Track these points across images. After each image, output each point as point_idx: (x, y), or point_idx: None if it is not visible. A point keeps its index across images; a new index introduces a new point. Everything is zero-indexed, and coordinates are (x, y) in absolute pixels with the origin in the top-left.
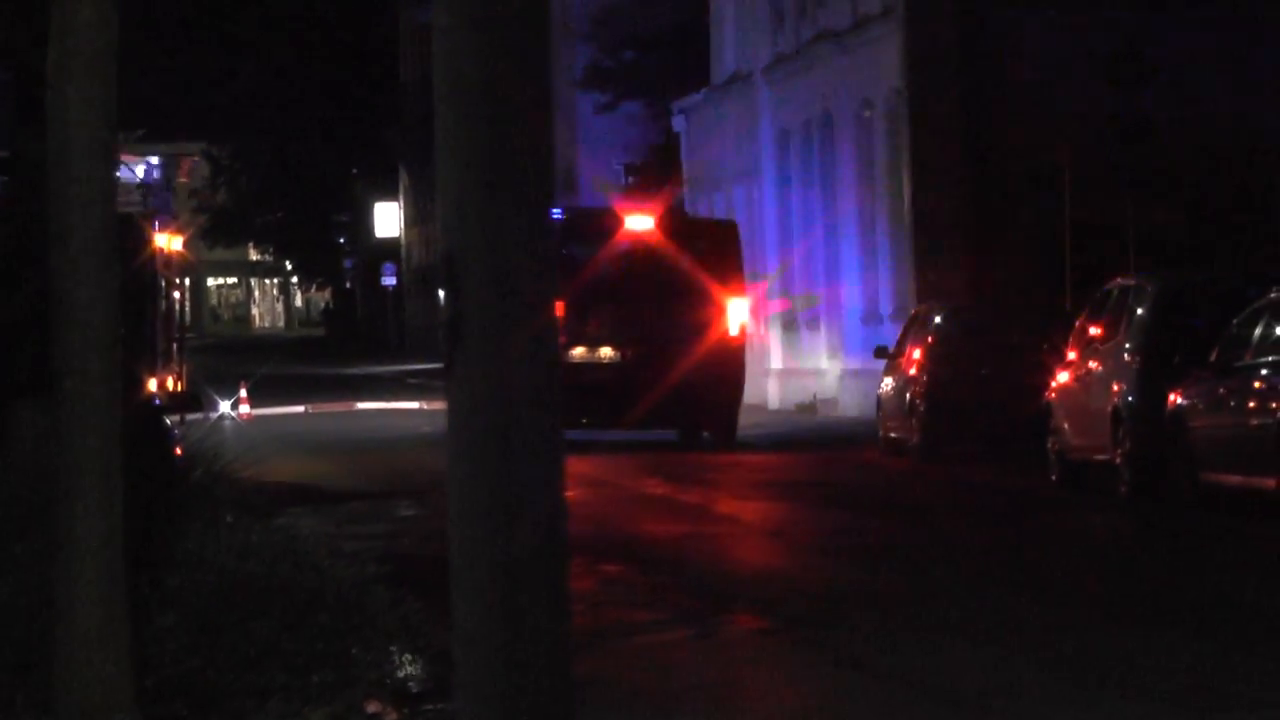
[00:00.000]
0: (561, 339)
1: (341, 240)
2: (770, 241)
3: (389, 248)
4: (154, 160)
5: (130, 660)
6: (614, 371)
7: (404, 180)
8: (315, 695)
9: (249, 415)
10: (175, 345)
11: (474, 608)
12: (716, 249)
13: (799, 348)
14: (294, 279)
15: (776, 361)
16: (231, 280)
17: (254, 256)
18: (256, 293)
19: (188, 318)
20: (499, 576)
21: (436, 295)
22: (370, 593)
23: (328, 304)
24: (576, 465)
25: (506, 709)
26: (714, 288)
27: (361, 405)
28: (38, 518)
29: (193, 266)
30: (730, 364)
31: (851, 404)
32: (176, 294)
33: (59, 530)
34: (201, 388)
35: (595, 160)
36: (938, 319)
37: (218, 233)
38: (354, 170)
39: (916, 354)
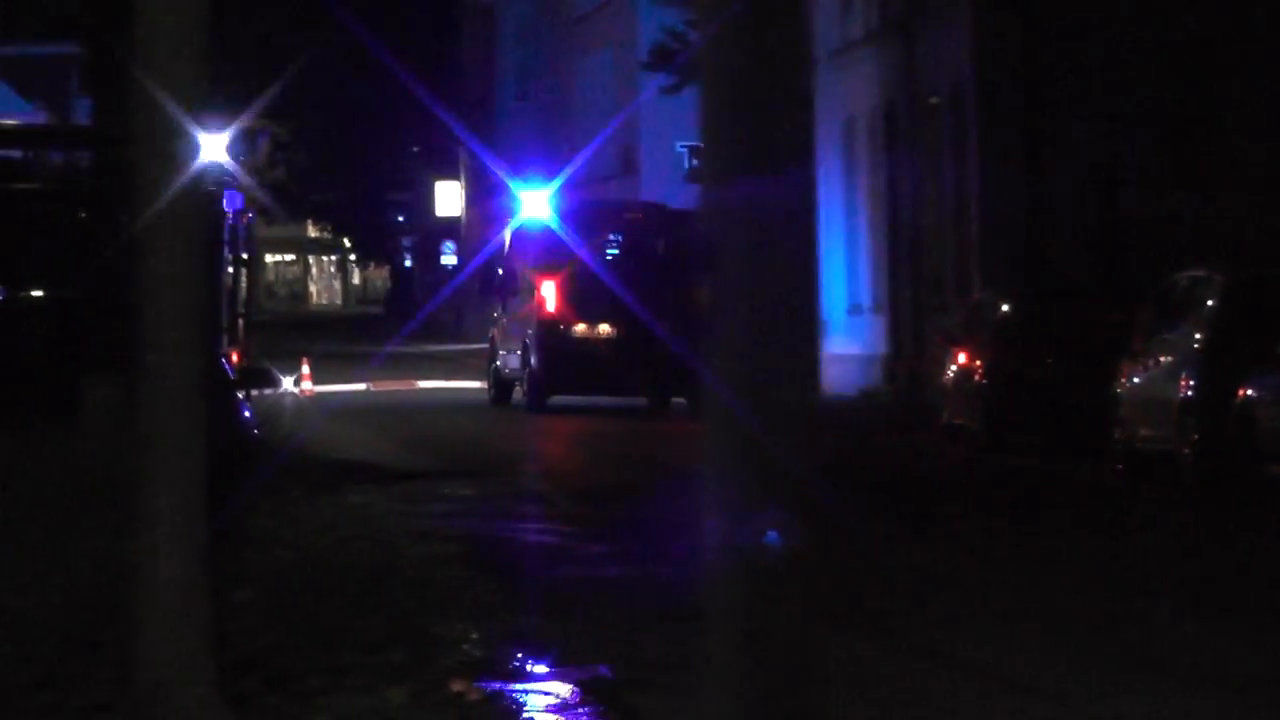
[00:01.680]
0: (563, 314)
1: (400, 219)
2: (833, 227)
3: (448, 226)
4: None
5: (210, 635)
6: (607, 344)
7: (464, 159)
8: (393, 674)
9: (311, 392)
10: (241, 321)
11: (722, 607)
12: (687, 237)
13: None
14: (352, 257)
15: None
16: (289, 257)
17: (312, 233)
18: (314, 270)
19: (255, 295)
20: (750, 576)
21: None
22: (444, 571)
23: (387, 283)
24: (579, 430)
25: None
26: (700, 272)
27: (422, 384)
28: (109, 492)
29: (257, 243)
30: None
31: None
32: (243, 270)
33: (139, 503)
34: (267, 363)
35: (658, 142)
36: (1002, 307)
37: (276, 209)
38: (413, 148)
39: (979, 342)
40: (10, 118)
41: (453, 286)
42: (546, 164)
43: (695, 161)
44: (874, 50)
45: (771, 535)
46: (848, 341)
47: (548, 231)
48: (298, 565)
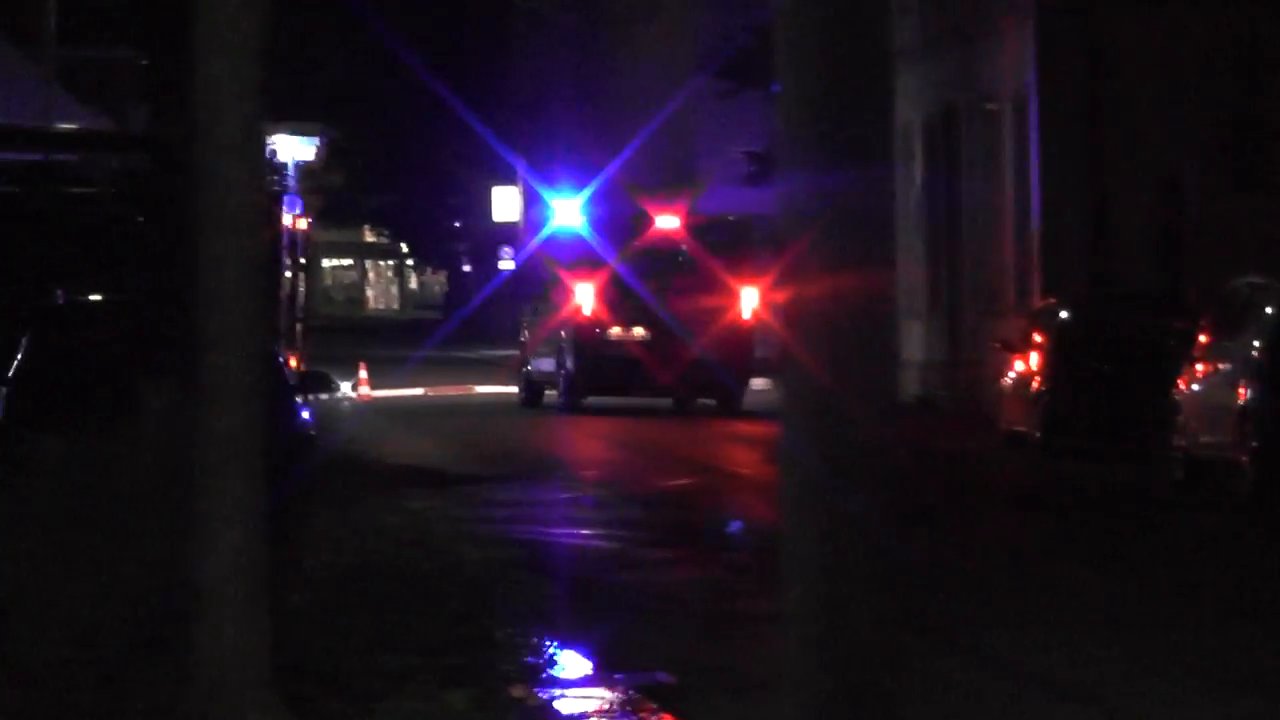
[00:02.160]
0: (600, 320)
1: (457, 224)
2: (908, 217)
3: (506, 231)
4: (280, 138)
5: (268, 637)
6: (643, 347)
7: (522, 162)
8: (453, 678)
9: (368, 397)
10: (299, 325)
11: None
12: (733, 243)
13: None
14: (409, 261)
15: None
16: (346, 261)
17: (369, 238)
18: (370, 274)
19: (313, 299)
20: (829, 574)
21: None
22: (503, 575)
23: (444, 287)
24: (621, 432)
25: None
26: (726, 275)
27: (480, 389)
28: (169, 495)
29: (315, 247)
30: (741, 343)
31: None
32: (301, 274)
33: (200, 505)
34: (325, 368)
35: (715, 148)
36: (1062, 314)
37: (333, 214)
38: (469, 154)
39: (1039, 349)
40: (67, 122)
41: (490, 290)
42: (597, 171)
43: (754, 166)
44: (932, 55)
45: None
46: (905, 346)
47: (580, 237)
48: (355, 568)
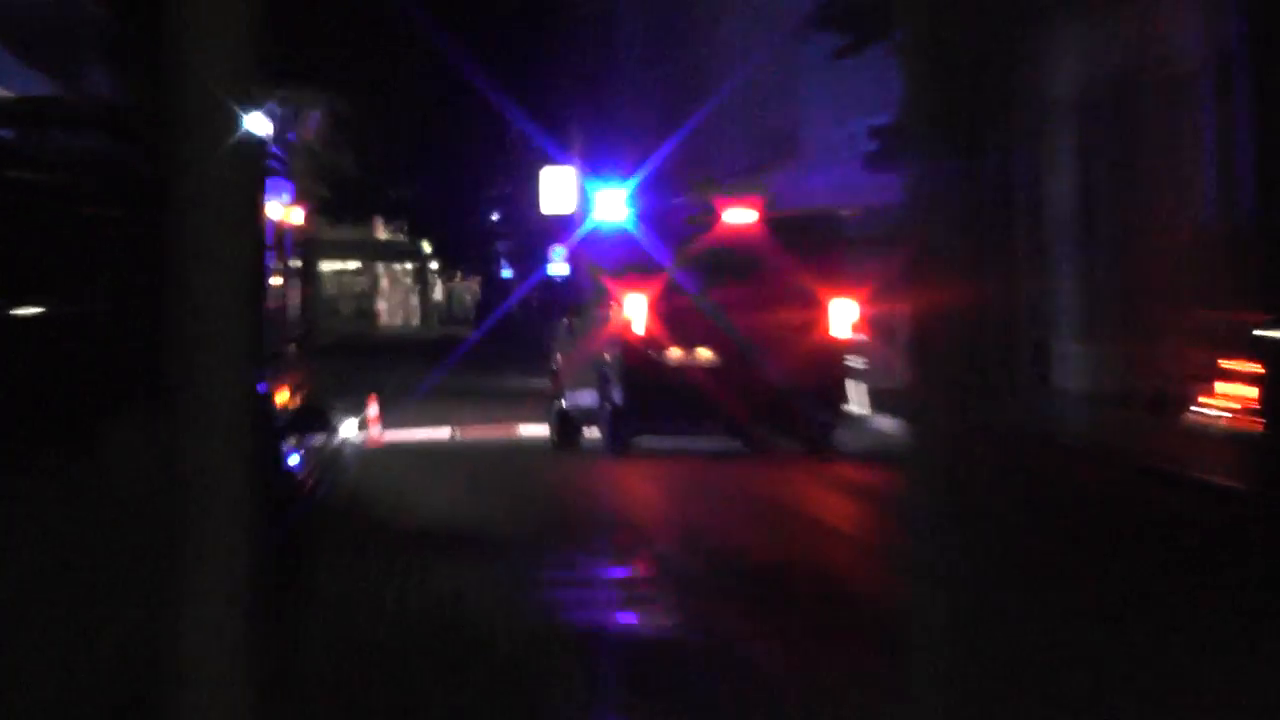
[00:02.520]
0: (656, 340)
1: (495, 217)
2: (1063, 218)
3: (557, 227)
4: (270, 110)
5: (254, 710)
6: (709, 374)
7: (579, 140)
8: None
9: (379, 439)
10: (292, 347)
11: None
12: (820, 244)
13: None
14: (433, 265)
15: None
16: (353, 265)
17: (382, 236)
18: (385, 282)
19: (310, 313)
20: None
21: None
22: (557, 686)
23: (477, 297)
24: (687, 481)
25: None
26: (815, 285)
27: (525, 430)
28: (136, 552)
29: (314, 247)
30: (832, 369)
31: None
32: (294, 280)
33: (177, 562)
34: (326, 402)
35: (825, 119)
36: (1275, 331)
37: (339, 206)
38: (512, 127)
39: (1259, 379)
40: (5, 88)
41: (533, 297)
42: (661, 154)
43: (876, 143)
44: (1092, 10)
45: None
46: (1059, 373)
47: (630, 236)
48: (365, 641)
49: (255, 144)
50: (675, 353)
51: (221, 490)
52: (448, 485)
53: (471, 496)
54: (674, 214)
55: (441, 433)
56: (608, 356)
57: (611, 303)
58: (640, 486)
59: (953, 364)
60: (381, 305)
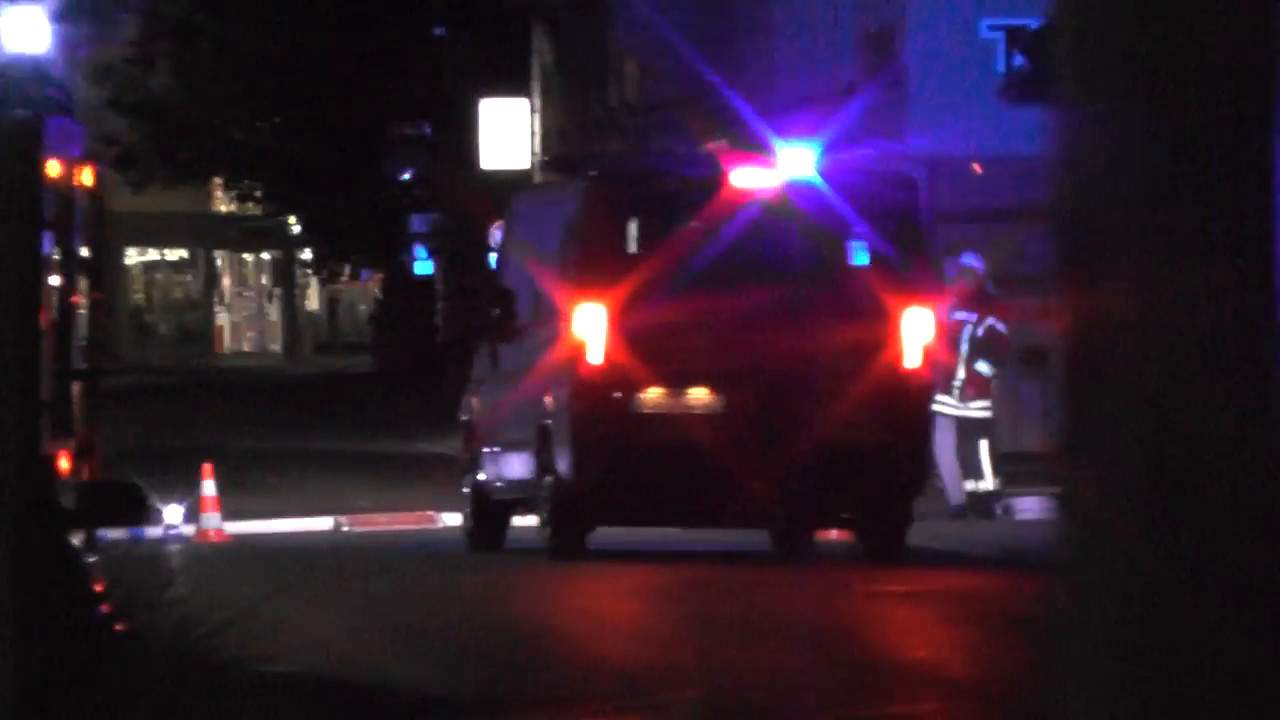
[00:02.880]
0: (622, 374)
1: (407, 175)
2: None
3: (504, 190)
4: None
5: None
6: (712, 428)
7: (540, 55)
8: None
9: (221, 534)
10: (79, 385)
11: None
12: (883, 221)
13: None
14: (305, 254)
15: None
16: (175, 255)
17: (222, 208)
18: (226, 282)
19: (107, 332)
20: None
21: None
22: None
23: (376, 305)
24: (697, 601)
25: None
26: (879, 286)
27: (447, 518)
28: None
29: (109, 226)
30: (908, 417)
31: None
32: (84, 280)
33: None
34: (133, 475)
35: (940, 19)
36: None
37: (153, 158)
38: (434, 30)
39: None
40: None
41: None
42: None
43: (1022, 59)
44: None
45: None
46: None
47: (612, 208)
48: None
49: (23, 65)
50: (654, 394)
51: None
52: (326, 610)
53: (360, 634)
54: (658, 173)
55: (320, 523)
56: (549, 402)
57: (555, 315)
58: (620, 610)
59: (1152, 405)
60: (222, 320)
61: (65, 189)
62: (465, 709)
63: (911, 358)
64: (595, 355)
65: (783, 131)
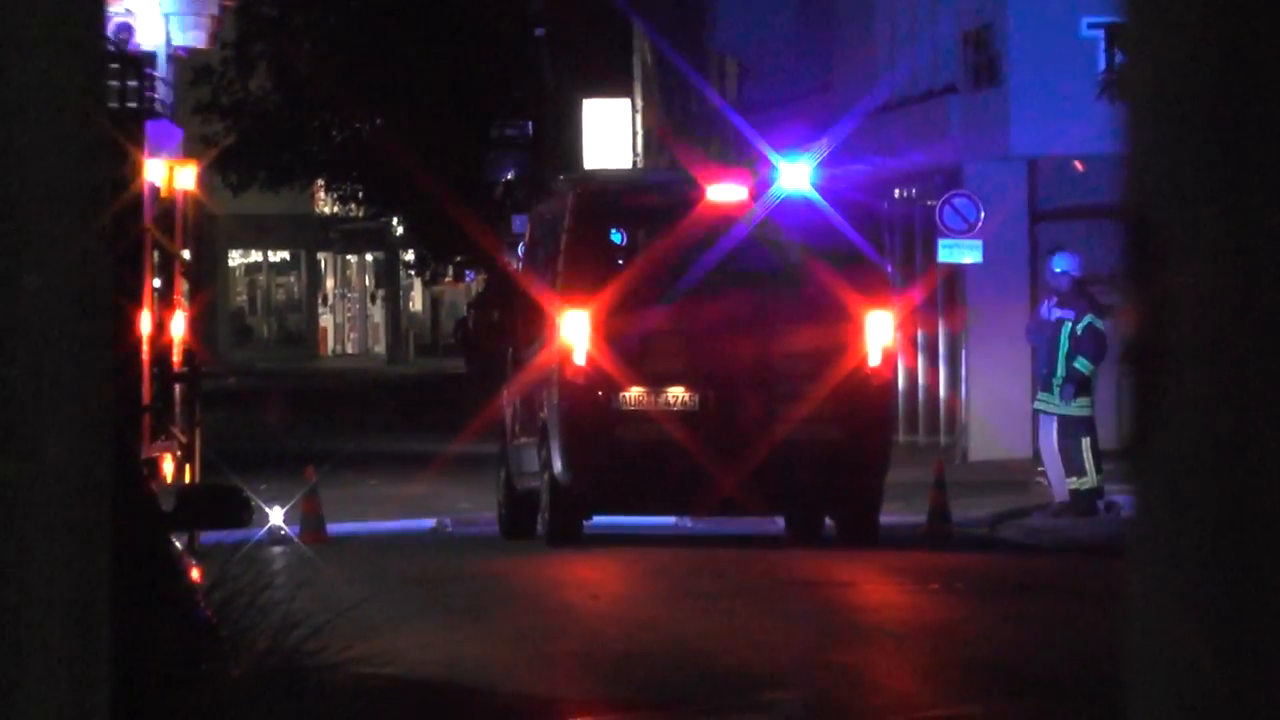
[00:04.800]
0: (603, 372)
1: (509, 176)
2: None
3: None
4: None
5: None
6: (689, 425)
7: (641, 57)
8: None
9: (322, 536)
10: (180, 388)
11: None
12: (845, 236)
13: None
14: (408, 256)
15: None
16: (278, 257)
17: (325, 209)
18: (330, 284)
19: (209, 335)
20: None
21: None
22: None
23: (470, 308)
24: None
25: None
26: (843, 294)
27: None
28: None
29: (209, 228)
30: (870, 412)
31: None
32: (184, 284)
33: None
34: (235, 481)
35: (1042, 18)
36: None
37: (253, 161)
38: (537, 32)
39: None
40: None
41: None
42: (796, 82)
43: (1122, 57)
44: None
45: None
46: None
47: (595, 218)
48: None
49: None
50: (635, 393)
51: (55, 631)
52: (426, 612)
53: (459, 636)
54: (640, 187)
55: (421, 524)
56: (544, 402)
57: (546, 321)
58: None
59: (1220, 401)
60: (325, 323)
61: (165, 191)
62: (565, 711)
63: (873, 358)
64: (580, 357)
65: (784, 148)
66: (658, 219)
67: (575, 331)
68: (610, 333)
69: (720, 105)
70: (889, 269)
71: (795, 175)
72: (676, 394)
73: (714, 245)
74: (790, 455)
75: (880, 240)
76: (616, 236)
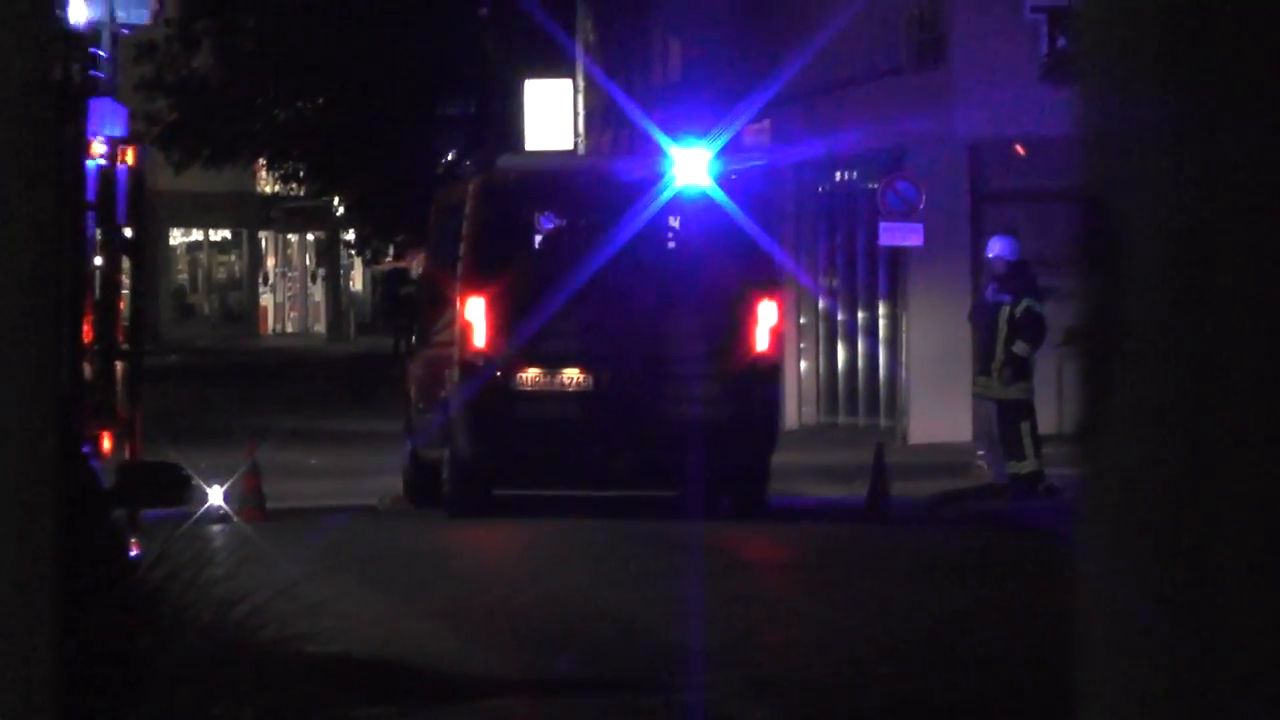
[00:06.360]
0: (501, 353)
1: (450, 156)
2: None
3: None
4: None
5: None
6: (584, 404)
7: (584, 37)
8: None
9: (262, 513)
10: (121, 365)
11: None
12: (738, 223)
13: None
14: (348, 235)
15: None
16: (219, 236)
17: (266, 188)
18: (270, 262)
19: (151, 313)
20: None
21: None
22: None
23: (414, 285)
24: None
25: None
26: (736, 279)
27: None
28: None
29: (152, 206)
30: (757, 392)
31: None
32: (124, 260)
33: None
34: (175, 459)
35: (986, 4)
36: None
37: (195, 137)
38: (481, 8)
39: None
40: None
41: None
42: (751, 63)
43: (1065, 41)
44: None
45: None
46: None
47: (495, 206)
48: None
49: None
50: (532, 374)
51: (20, 596)
52: (367, 590)
53: (401, 613)
54: (542, 173)
55: (362, 500)
56: (446, 380)
57: (449, 302)
58: (650, 589)
59: (1171, 387)
60: (265, 301)
61: (107, 169)
62: (506, 687)
63: (761, 341)
64: (480, 339)
65: (681, 133)
66: (560, 205)
67: (475, 314)
68: (508, 316)
69: (614, 92)
70: (778, 256)
71: (691, 162)
72: (571, 375)
73: (613, 231)
74: (680, 433)
75: (771, 226)
76: (518, 222)
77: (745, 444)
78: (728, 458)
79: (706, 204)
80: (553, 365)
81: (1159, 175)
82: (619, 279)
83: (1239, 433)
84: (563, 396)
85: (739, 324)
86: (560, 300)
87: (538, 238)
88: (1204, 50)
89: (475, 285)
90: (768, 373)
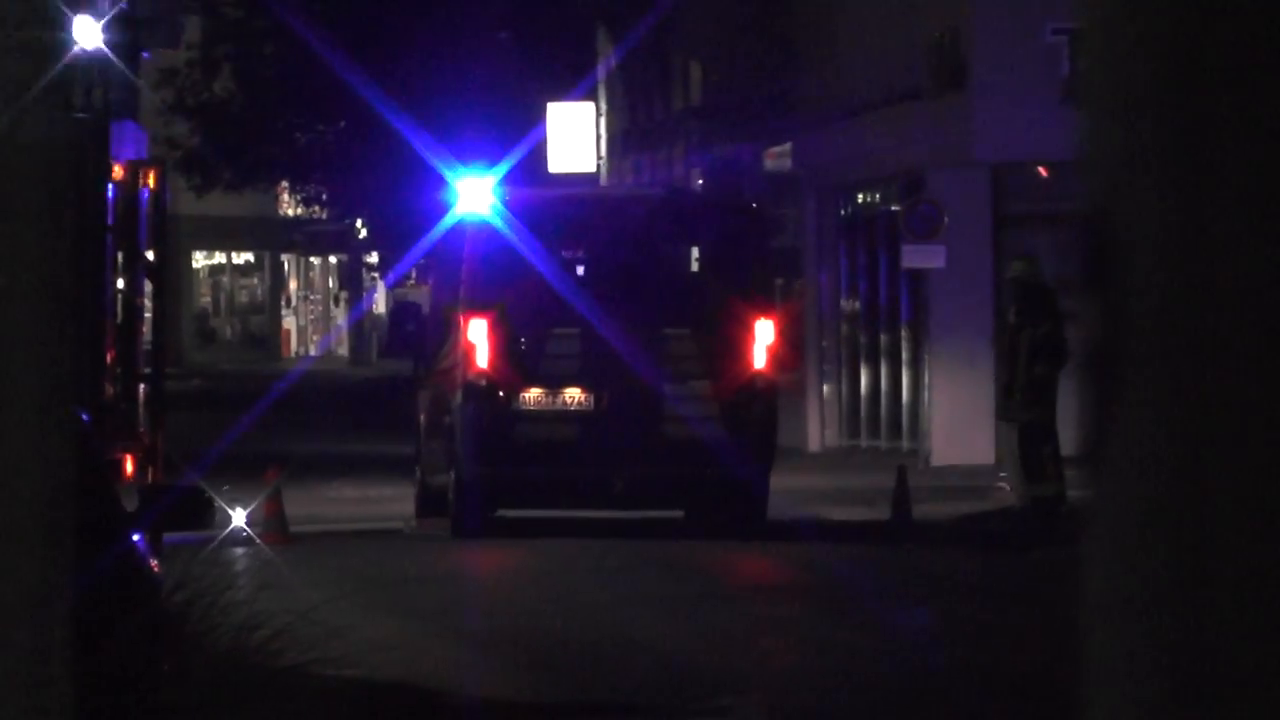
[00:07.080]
0: (504, 375)
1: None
2: None
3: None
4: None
5: None
6: (585, 425)
7: (604, 61)
8: None
9: (285, 537)
10: (143, 388)
11: None
12: (734, 243)
13: None
14: (372, 258)
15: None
16: (241, 259)
17: (289, 212)
18: (293, 285)
19: (173, 337)
20: None
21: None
22: None
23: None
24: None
25: None
26: (734, 300)
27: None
28: None
29: (173, 229)
30: (755, 411)
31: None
32: (147, 283)
33: None
34: (198, 482)
35: (1005, 24)
36: None
37: (217, 162)
38: (501, 34)
39: None
40: None
41: None
42: (753, 80)
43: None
44: None
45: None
46: None
47: (490, 236)
48: None
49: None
50: (534, 394)
51: (17, 630)
52: (389, 614)
53: (424, 638)
54: (535, 202)
55: (384, 524)
56: (450, 403)
57: (454, 327)
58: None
59: (1172, 409)
60: (289, 324)
61: (129, 192)
62: (528, 711)
63: (759, 360)
64: (482, 361)
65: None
66: (561, 229)
67: (478, 336)
68: (511, 338)
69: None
70: (774, 278)
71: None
72: (573, 395)
73: (614, 254)
74: (680, 452)
75: (766, 249)
76: (518, 245)
77: (743, 462)
78: (727, 477)
79: (707, 226)
80: (554, 386)
81: (1157, 196)
82: (621, 300)
83: (1239, 438)
84: (564, 417)
85: (736, 343)
86: (562, 322)
87: (539, 260)
88: (1201, 71)
89: (477, 307)
90: (765, 390)
